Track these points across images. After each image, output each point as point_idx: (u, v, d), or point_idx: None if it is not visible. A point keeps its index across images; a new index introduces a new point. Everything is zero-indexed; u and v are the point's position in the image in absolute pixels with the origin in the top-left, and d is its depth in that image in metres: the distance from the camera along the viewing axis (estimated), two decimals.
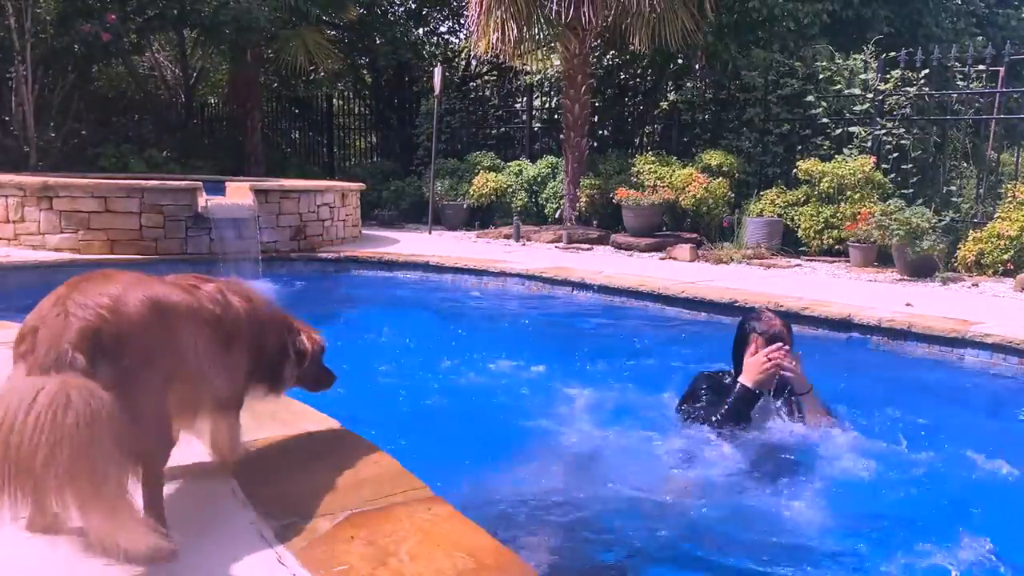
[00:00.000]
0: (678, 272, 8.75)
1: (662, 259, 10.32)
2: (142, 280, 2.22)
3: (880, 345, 5.94)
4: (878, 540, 3.03)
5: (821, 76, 11.38)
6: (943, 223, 9.26)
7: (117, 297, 2.05)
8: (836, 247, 10.29)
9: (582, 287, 7.96)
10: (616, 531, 3.09)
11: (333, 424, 3.17)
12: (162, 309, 2.16)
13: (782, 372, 3.58)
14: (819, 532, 3.04)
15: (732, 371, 3.80)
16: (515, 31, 11.71)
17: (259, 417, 3.23)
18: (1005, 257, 8.77)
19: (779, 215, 10.86)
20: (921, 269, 8.75)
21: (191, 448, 2.86)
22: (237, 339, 2.51)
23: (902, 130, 10.53)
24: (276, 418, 3.21)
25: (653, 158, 12.45)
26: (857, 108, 10.98)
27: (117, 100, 18.81)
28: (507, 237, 12.51)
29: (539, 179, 13.76)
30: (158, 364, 2.12)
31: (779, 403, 3.71)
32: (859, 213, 9.71)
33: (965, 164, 10.91)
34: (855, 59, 11.37)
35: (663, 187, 11.59)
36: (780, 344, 3.58)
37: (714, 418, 3.59)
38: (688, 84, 13.42)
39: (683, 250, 10.30)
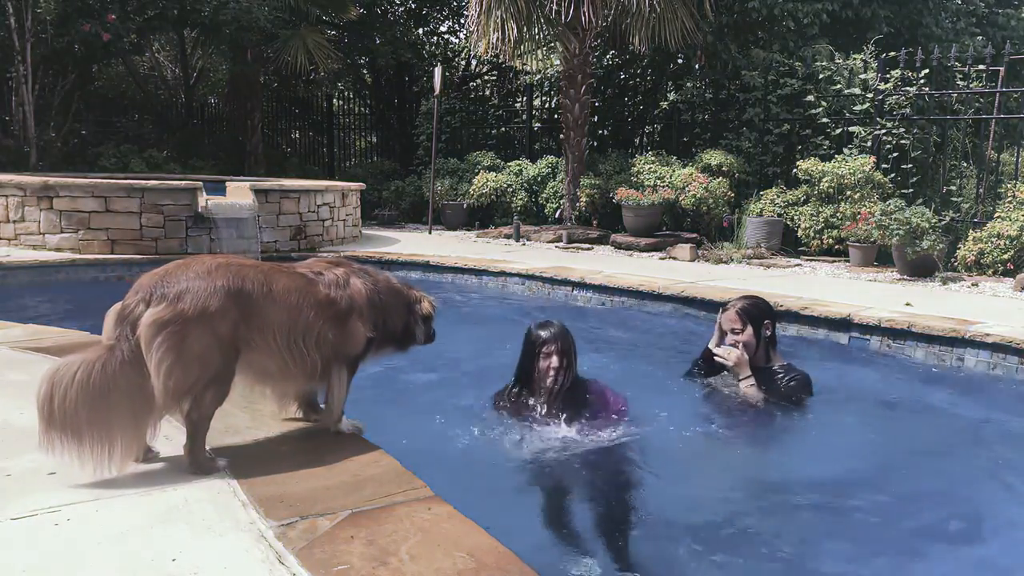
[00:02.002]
0: (678, 272, 8.74)
1: (662, 259, 10.32)
2: (242, 264, 2.80)
3: (880, 345, 5.94)
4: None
5: (821, 76, 11.38)
6: (943, 223, 9.26)
7: (200, 272, 2.65)
8: (836, 247, 10.29)
9: (582, 287, 7.96)
10: (616, 529, 3.09)
11: None
12: (241, 290, 2.69)
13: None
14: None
15: None
16: (515, 31, 11.70)
17: (259, 417, 3.23)
18: (1005, 257, 8.77)
19: (779, 215, 10.86)
20: (921, 269, 8.75)
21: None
22: (353, 315, 2.97)
23: (902, 130, 10.53)
24: (276, 418, 3.22)
25: (653, 158, 12.45)
26: (857, 108, 10.98)
27: (117, 100, 18.83)
28: (507, 237, 12.51)
29: (539, 179, 13.76)
30: (212, 320, 2.60)
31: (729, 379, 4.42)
32: (859, 213, 9.71)
33: (965, 164, 10.91)
34: (855, 59, 11.36)
35: (663, 187, 11.59)
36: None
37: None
38: (688, 84, 13.42)
39: (683, 250, 10.29)
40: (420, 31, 18.92)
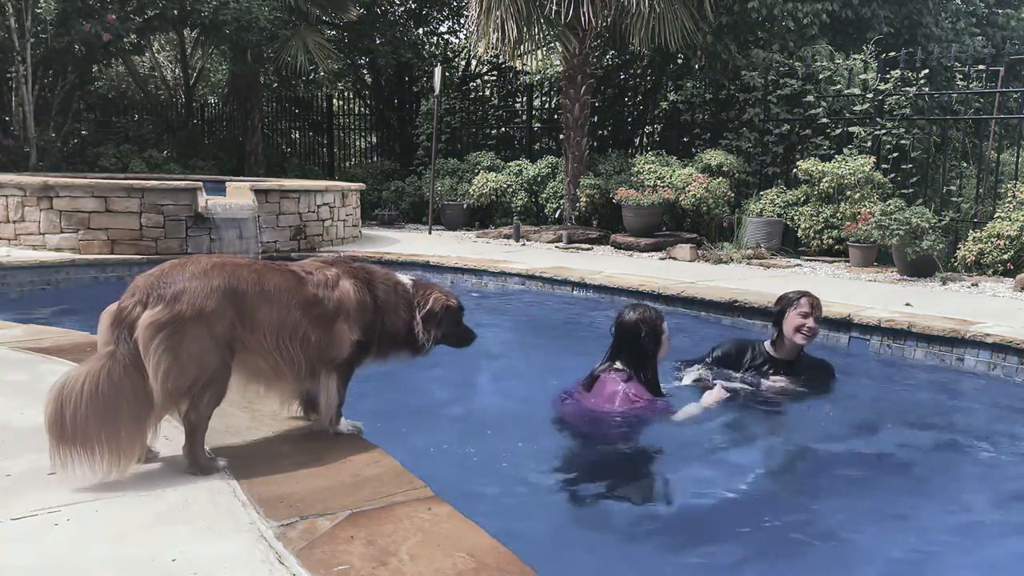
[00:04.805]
0: (678, 272, 8.74)
1: (662, 259, 10.32)
2: (238, 264, 2.79)
3: (880, 345, 5.94)
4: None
5: (821, 76, 11.38)
6: (943, 223, 9.26)
7: (196, 272, 2.65)
8: (836, 247, 10.29)
9: (582, 287, 7.96)
10: (617, 529, 3.09)
11: None
12: (236, 290, 2.68)
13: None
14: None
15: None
16: (515, 31, 11.70)
17: (259, 417, 3.23)
18: (1005, 257, 8.76)
19: (779, 215, 10.85)
20: (921, 269, 8.75)
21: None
22: (339, 318, 2.91)
23: (902, 130, 10.53)
24: (276, 418, 3.22)
25: (653, 158, 12.45)
26: (857, 108, 10.98)
27: (117, 100, 18.84)
28: (507, 237, 12.51)
29: (539, 179, 13.76)
30: (209, 320, 2.60)
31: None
32: (859, 213, 9.70)
33: (965, 164, 10.90)
34: (855, 59, 11.36)
35: (663, 187, 11.58)
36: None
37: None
38: (688, 84, 13.42)
39: (683, 250, 10.29)
40: (420, 31, 18.91)
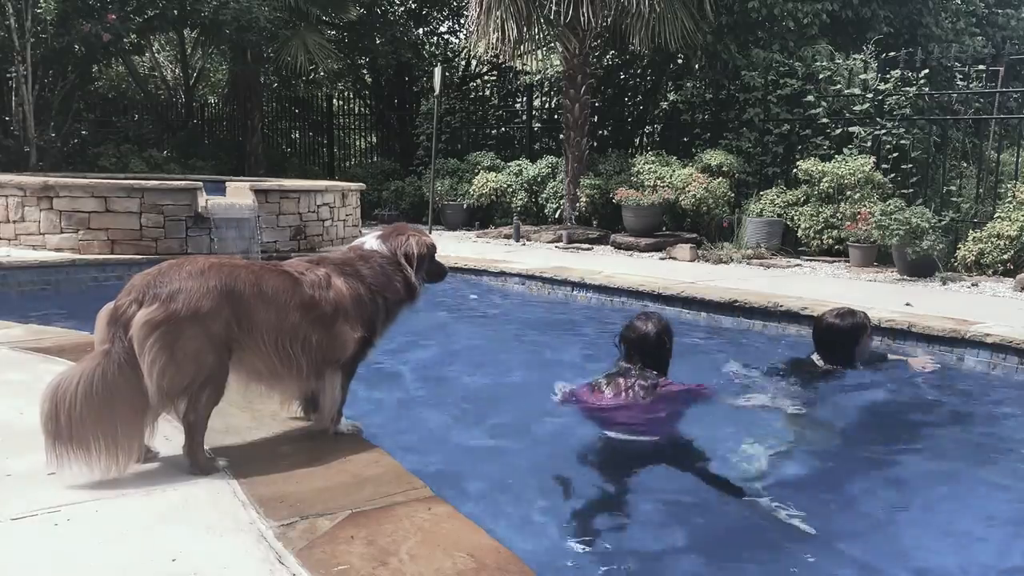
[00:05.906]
0: (678, 272, 8.74)
1: (662, 259, 10.32)
2: (235, 264, 2.81)
3: (880, 345, 5.93)
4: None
5: (821, 76, 11.38)
6: (943, 223, 9.25)
7: (193, 272, 2.64)
8: (836, 247, 10.29)
9: (581, 287, 7.96)
10: (616, 528, 3.10)
11: None
12: (233, 290, 2.67)
13: None
14: None
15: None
16: (515, 31, 11.70)
17: (259, 417, 3.23)
18: (1005, 257, 8.76)
19: (779, 215, 10.85)
20: (921, 269, 8.75)
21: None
22: (339, 319, 2.92)
23: (902, 130, 10.52)
24: (276, 418, 3.22)
25: (653, 158, 12.45)
26: (857, 108, 10.97)
27: (117, 100, 18.84)
28: (507, 237, 12.51)
29: (539, 179, 13.76)
30: (205, 319, 2.60)
31: None
32: (859, 213, 9.70)
33: (965, 164, 10.89)
34: (855, 59, 11.36)
35: (663, 187, 11.59)
36: None
37: None
38: (688, 84, 13.41)
39: (683, 250, 10.29)
40: (420, 31, 18.92)
